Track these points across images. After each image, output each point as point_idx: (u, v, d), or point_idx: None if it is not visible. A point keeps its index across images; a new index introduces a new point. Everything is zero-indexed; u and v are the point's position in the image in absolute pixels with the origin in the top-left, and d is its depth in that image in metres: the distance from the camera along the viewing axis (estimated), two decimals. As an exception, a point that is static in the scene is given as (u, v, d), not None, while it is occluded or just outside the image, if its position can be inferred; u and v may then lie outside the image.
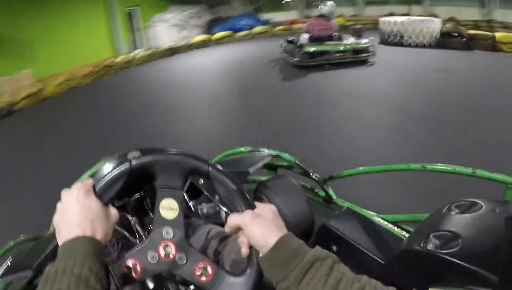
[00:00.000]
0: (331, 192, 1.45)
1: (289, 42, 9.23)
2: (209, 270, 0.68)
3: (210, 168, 0.73)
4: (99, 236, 0.61)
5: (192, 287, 0.78)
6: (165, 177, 0.73)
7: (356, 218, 1.20)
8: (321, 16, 8.48)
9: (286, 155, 1.48)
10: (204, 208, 1.03)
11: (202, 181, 0.97)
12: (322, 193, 1.47)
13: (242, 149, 1.56)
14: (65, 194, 0.66)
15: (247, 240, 0.66)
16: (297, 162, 1.49)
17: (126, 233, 0.86)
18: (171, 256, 0.68)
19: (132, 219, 0.84)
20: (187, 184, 0.82)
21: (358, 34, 8.59)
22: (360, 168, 1.43)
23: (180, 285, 0.77)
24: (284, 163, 1.53)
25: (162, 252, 0.68)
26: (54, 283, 0.51)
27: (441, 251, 0.78)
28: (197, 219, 1.00)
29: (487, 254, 0.72)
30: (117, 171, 0.70)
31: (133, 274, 0.67)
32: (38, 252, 0.96)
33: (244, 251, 0.68)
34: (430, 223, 0.92)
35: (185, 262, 0.69)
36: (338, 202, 1.41)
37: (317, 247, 0.59)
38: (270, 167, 1.55)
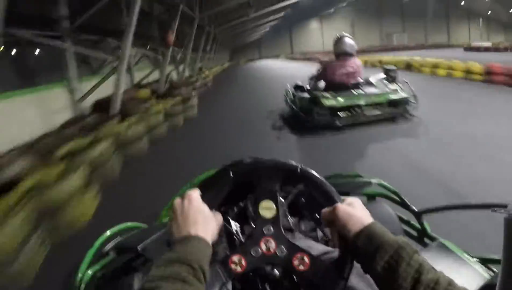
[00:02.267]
0: (426, 225, 1.48)
1: (298, 88, 6.85)
2: (306, 259, 0.77)
3: (301, 169, 0.83)
4: (208, 236, 0.71)
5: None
6: (263, 182, 0.84)
7: (445, 253, 1.20)
8: (341, 54, 5.85)
9: (387, 184, 1.56)
10: (302, 225, 1.13)
11: (304, 200, 1.05)
12: (417, 226, 1.50)
13: (343, 173, 1.68)
14: (182, 197, 0.77)
15: (337, 230, 0.74)
16: (396, 192, 1.55)
17: (228, 235, 0.94)
18: (272, 250, 0.78)
19: (234, 225, 0.92)
20: (289, 197, 0.94)
21: (391, 77, 6.18)
22: (456, 204, 1.42)
23: (281, 274, 0.84)
24: (384, 192, 1.60)
25: (263, 247, 0.78)
26: (166, 268, 0.61)
27: None
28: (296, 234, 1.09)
29: None
30: (220, 179, 0.83)
31: (239, 268, 0.77)
32: (145, 237, 1.03)
33: (336, 240, 0.76)
34: None
35: (284, 254, 0.78)
36: (432, 236, 1.42)
37: (400, 236, 0.66)
38: (370, 194, 1.61)
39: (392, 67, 6.53)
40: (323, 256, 0.82)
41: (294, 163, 0.84)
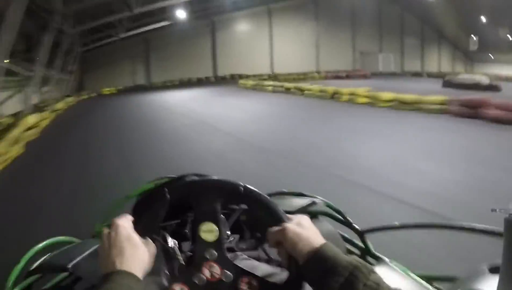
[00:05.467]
0: (369, 244, 1.40)
1: None
2: (254, 283, 0.73)
3: (244, 189, 0.76)
4: (137, 269, 0.64)
5: None
6: (203, 202, 0.76)
7: (391, 272, 1.16)
8: None
9: (330, 203, 1.49)
10: (243, 243, 1.04)
11: (245, 218, 0.98)
12: (360, 245, 1.43)
13: (285, 191, 1.59)
14: (115, 224, 0.70)
15: (286, 252, 0.70)
16: (340, 211, 1.48)
17: (168, 258, 0.83)
18: (217, 276, 0.73)
19: (171, 242, 0.84)
20: (234, 218, 0.87)
21: None
22: (401, 223, 1.37)
23: None
24: (326, 210, 1.52)
25: (207, 273, 0.73)
26: None
27: None
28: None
29: None
30: (155, 205, 0.74)
31: None
32: (77, 253, 0.94)
33: (285, 262, 0.72)
34: (464, 282, 0.86)
35: (230, 279, 0.73)
36: (375, 255, 1.36)
37: (354, 257, 0.64)
38: (312, 212, 1.56)
39: None
40: (271, 278, 0.77)
41: (236, 181, 0.78)
